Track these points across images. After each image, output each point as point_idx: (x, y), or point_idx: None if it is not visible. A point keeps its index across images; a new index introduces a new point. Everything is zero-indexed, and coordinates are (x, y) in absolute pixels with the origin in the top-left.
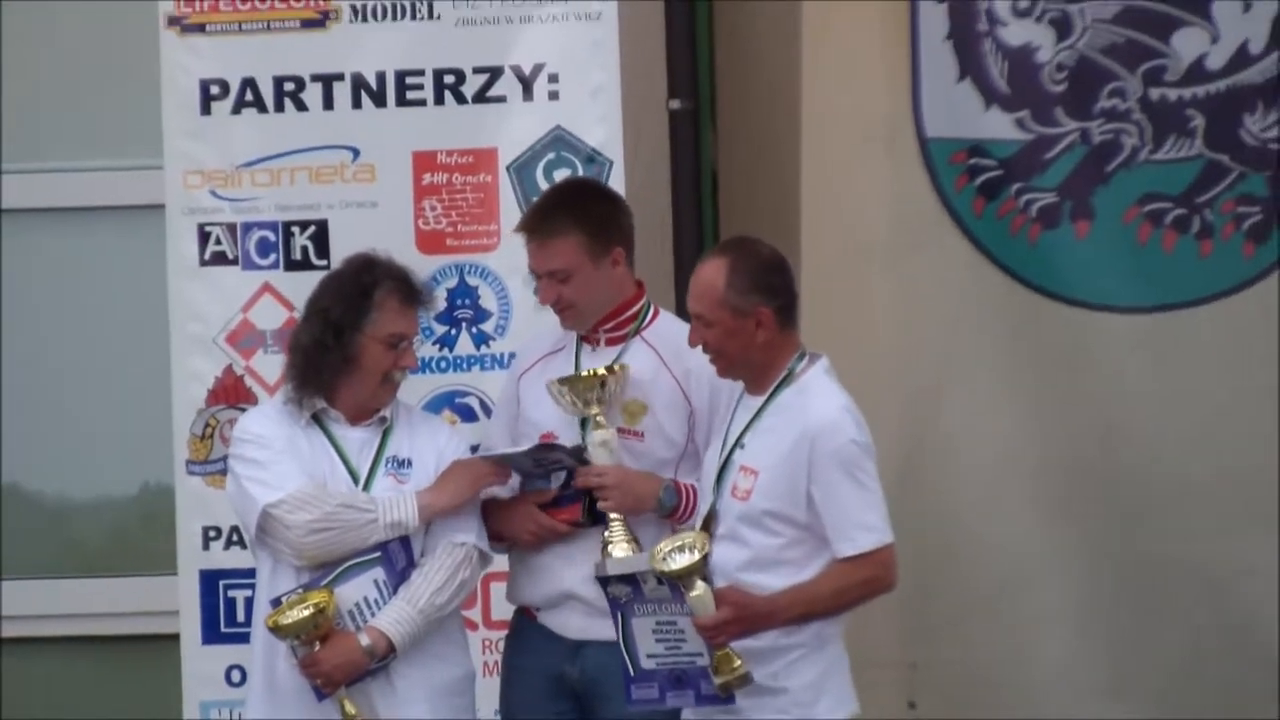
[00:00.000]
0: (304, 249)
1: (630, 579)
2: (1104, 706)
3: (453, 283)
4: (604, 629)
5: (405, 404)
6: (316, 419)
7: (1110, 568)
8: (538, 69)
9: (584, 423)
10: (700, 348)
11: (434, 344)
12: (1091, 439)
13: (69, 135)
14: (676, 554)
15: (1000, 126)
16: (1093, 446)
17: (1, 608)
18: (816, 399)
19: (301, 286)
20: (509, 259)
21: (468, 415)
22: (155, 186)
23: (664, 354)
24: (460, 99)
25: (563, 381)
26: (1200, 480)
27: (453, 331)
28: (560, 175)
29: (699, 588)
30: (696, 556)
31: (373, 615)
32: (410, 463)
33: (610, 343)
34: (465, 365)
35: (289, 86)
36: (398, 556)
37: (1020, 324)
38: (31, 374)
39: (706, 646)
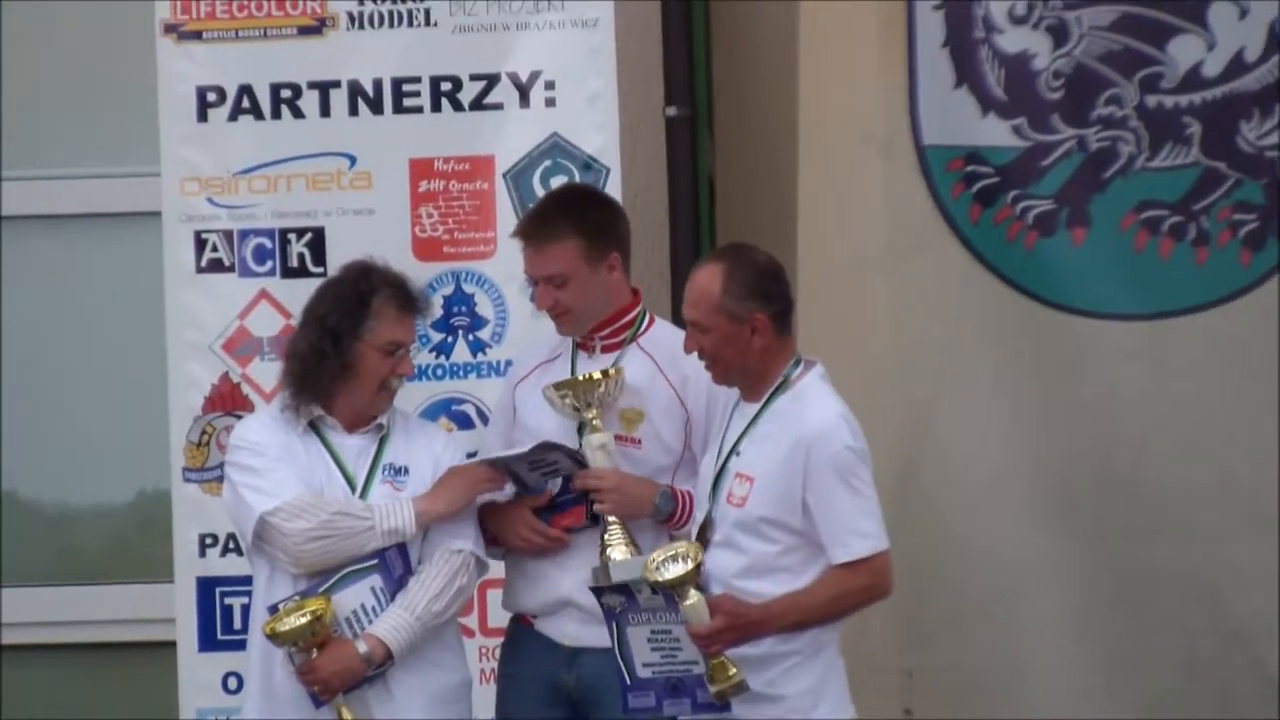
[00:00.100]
0: (301, 256)
1: (624, 588)
2: (1100, 713)
3: (449, 290)
4: (601, 636)
5: (402, 411)
6: (313, 426)
7: (1106, 574)
8: (534, 76)
9: (581, 429)
10: (696, 354)
11: (431, 351)
12: (1087, 445)
13: (68, 142)
14: (670, 564)
15: (997, 133)
16: (1089, 453)
17: (1, 615)
18: (812, 405)
19: (298, 294)
20: (506, 266)
21: (464, 422)
22: (154, 193)
23: (660, 361)
24: (457, 106)
25: (559, 385)
26: (1196, 487)
27: (449, 339)
28: (557, 182)
29: (692, 597)
30: (689, 566)
31: (370, 622)
32: (407, 470)
33: (606, 349)
34: (462, 372)
35: (286, 94)
36: (395, 564)
37: (1017, 331)
38: (29, 380)
39: (702, 655)
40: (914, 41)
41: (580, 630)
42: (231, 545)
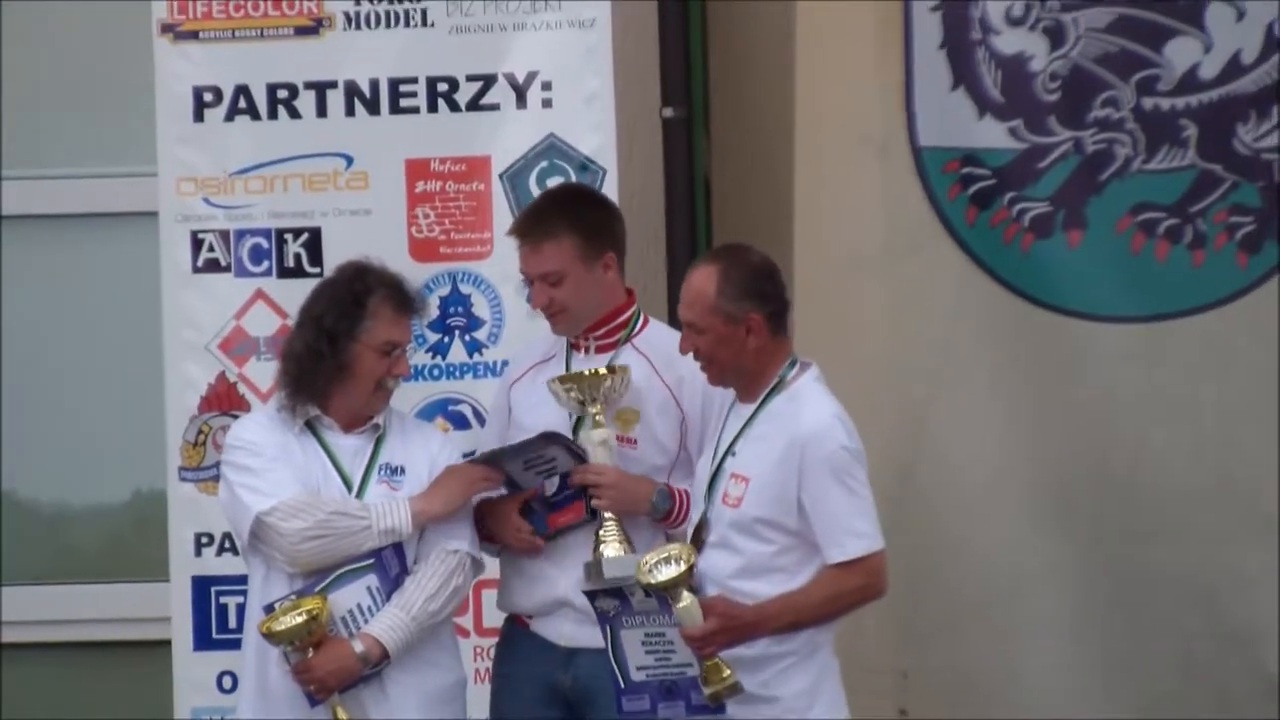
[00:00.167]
0: (297, 256)
1: (618, 592)
2: (1097, 714)
3: (445, 290)
4: (596, 636)
5: (398, 411)
6: (309, 426)
7: (1103, 576)
8: (531, 77)
9: (577, 425)
10: (692, 355)
11: (427, 352)
12: (1084, 447)
13: (68, 142)
14: (662, 566)
15: (993, 135)
16: (1085, 455)
17: (0, 614)
18: (808, 406)
19: (294, 294)
20: (502, 267)
21: (460, 423)
22: (154, 193)
23: (655, 361)
24: (454, 107)
25: (565, 379)
26: (1193, 489)
27: (445, 339)
28: (553, 183)
29: (686, 599)
30: (682, 568)
31: (366, 622)
32: (403, 470)
33: (601, 350)
34: (458, 373)
35: (282, 94)
36: (391, 563)
37: (1013, 333)
38: (29, 380)
39: (696, 657)
40: (911, 43)
41: (576, 631)
42: (227, 544)
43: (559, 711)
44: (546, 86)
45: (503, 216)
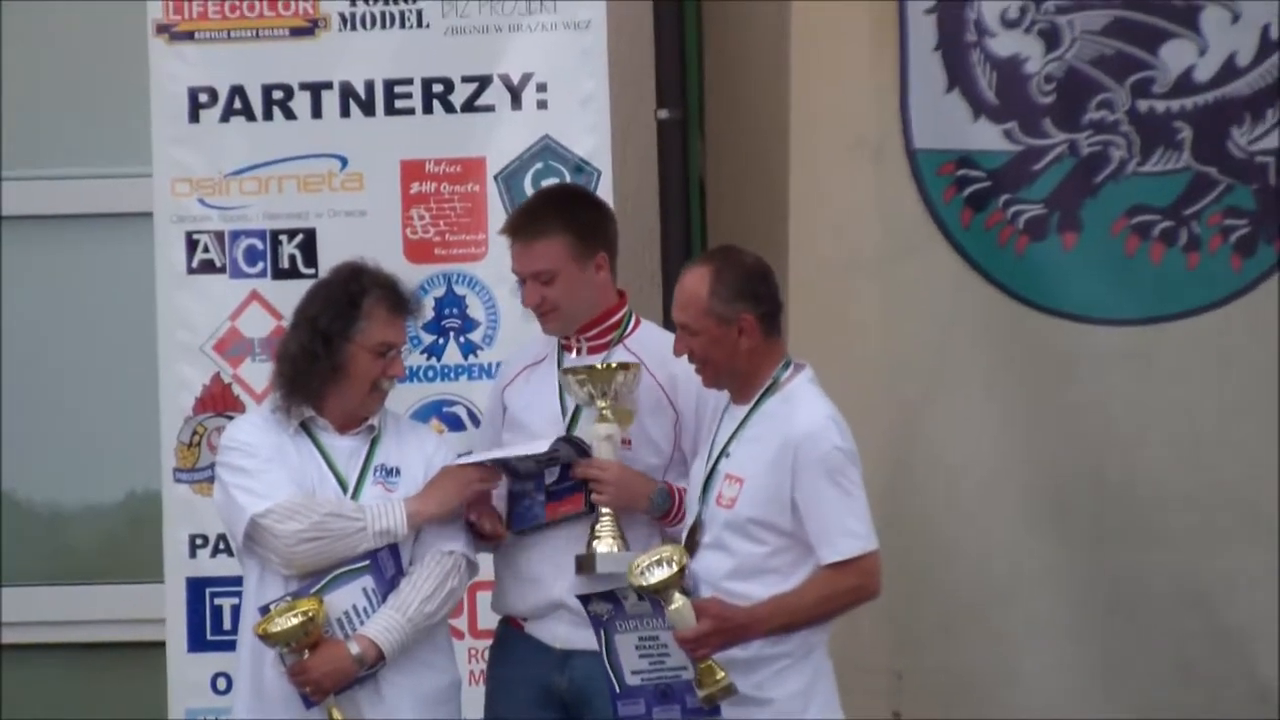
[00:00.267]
0: (292, 257)
1: (611, 595)
2: (1091, 716)
3: (440, 292)
4: (591, 639)
5: (393, 413)
6: (304, 427)
7: (1097, 577)
8: (526, 78)
9: (574, 418)
10: (686, 357)
11: (422, 353)
12: (1078, 449)
13: (68, 142)
14: (654, 568)
15: (988, 138)
16: (1079, 457)
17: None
18: (801, 407)
19: (289, 295)
20: (497, 268)
21: (455, 424)
22: (151, 194)
23: (648, 361)
24: (449, 108)
25: (577, 370)
26: (1188, 491)
27: (440, 341)
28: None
29: (678, 601)
30: (673, 570)
31: (361, 623)
32: (398, 471)
33: (592, 350)
34: (453, 374)
35: (277, 95)
36: (387, 565)
37: (1007, 335)
38: (29, 380)
39: (689, 659)
40: (906, 45)
41: (571, 633)
42: (221, 546)
43: (554, 713)
44: (542, 88)
45: (498, 218)
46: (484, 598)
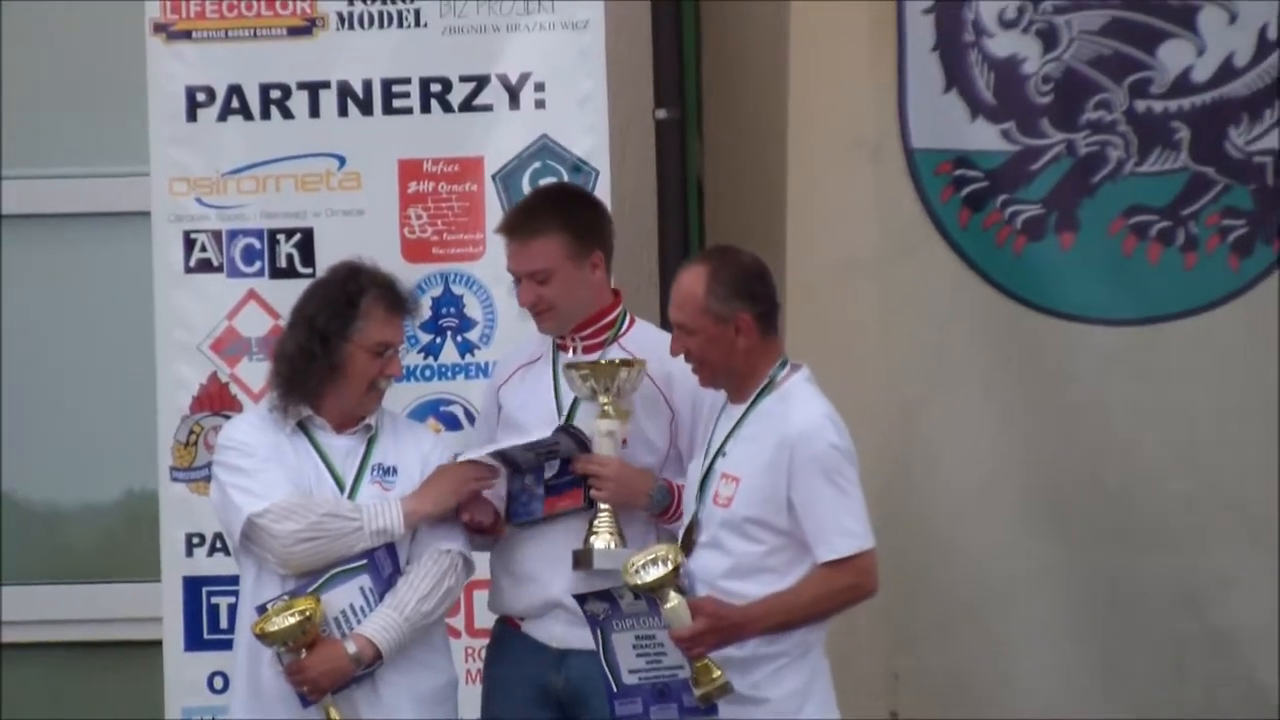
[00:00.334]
0: (289, 257)
1: (607, 595)
2: (1087, 716)
3: (438, 291)
4: (588, 638)
5: (390, 412)
6: (301, 427)
7: (1094, 579)
8: (524, 78)
9: (573, 409)
10: (683, 357)
11: (419, 352)
12: (1075, 449)
13: (68, 142)
14: (649, 567)
15: (986, 138)
16: (1076, 457)
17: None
18: (798, 406)
19: (287, 294)
20: (494, 268)
21: (452, 423)
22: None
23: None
24: (447, 107)
25: (580, 365)
26: (1185, 492)
27: (438, 340)
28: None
29: (673, 599)
30: (668, 569)
31: (359, 622)
32: (396, 470)
33: (587, 350)
34: (450, 374)
35: (275, 94)
36: (384, 564)
37: (1005, 335)
38: (30, 380)
39: (685, 658)
40: (904, 45)
41: (568, 632)
42: (218, 545)
43: (551, 713)
44: (540, 88)
45: (495, 218)
46: (481, 597)
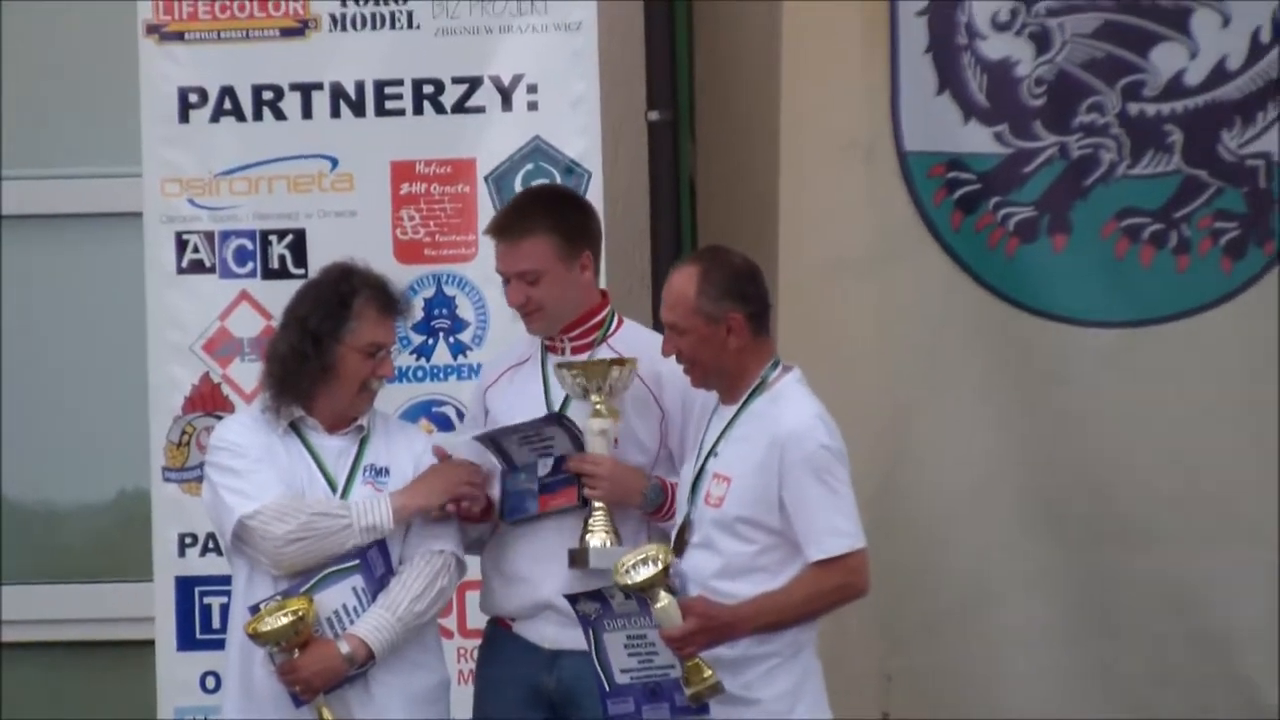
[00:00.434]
0: (282, 258)
1: (598, 595)
2: (1078, 718)
3: (430, 292)
4: (580, 638)
5: (382, 413)
6: (294, 427)
7: (1086, 580)
8: (517, 79)
9: (564, 407)
10: (674, 358)
11: (411, 353)
12: (1067, 452)
13: (68, 142)
14: (639, 566)
15: (979, 140)
16: (1068, 459)
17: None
18: (789, 406)
19: (279, 295)
20: (486, 269)
21: (444, 424)
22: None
23: None
24: (439, 109)
25: (571, 364)
26: (1176, 494)
27: (430, 341)
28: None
29: (663, 599)
30: (658, 568)
31: (351, 622)
32: (388, 471)
33: (576, 350)
34: (442, 375)
35: (268, 95)
36: (376, 564)
37: (997, 337)
38: (30, 379)
39: (676, 657)
40: (896, 47)
41: (560, 633)
42: (210, 545)
43: (543, 713)
44: (532, 89)
45: (488, 219)
46: (473, 597)
